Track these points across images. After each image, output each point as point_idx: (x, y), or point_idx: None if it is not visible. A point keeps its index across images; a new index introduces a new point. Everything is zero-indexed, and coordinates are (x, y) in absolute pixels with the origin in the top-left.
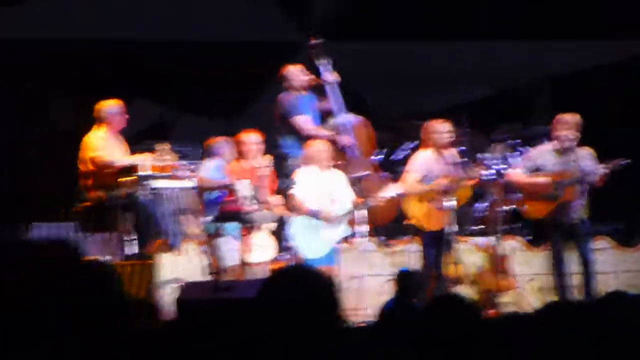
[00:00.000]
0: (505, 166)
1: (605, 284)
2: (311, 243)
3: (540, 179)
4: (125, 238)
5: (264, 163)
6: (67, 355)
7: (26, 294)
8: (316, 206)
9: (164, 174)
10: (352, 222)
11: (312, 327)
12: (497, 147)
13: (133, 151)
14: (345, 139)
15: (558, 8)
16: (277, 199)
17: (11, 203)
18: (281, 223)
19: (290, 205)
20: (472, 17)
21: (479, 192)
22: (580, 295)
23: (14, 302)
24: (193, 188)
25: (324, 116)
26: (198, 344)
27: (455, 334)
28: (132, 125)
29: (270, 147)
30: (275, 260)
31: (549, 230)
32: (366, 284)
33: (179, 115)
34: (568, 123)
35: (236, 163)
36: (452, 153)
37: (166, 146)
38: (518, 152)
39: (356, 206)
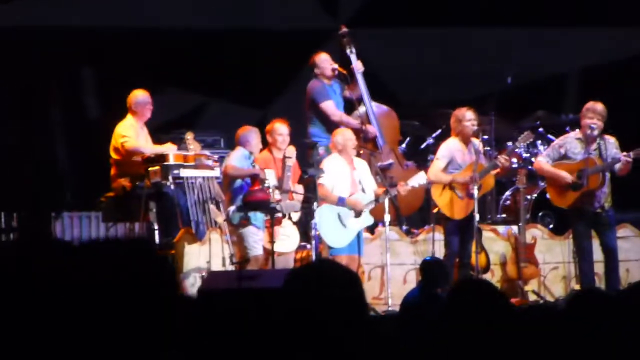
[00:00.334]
0: (529, 154)
1: (629, 272)
2: (335, 232)
3: (563, 173)
4: (149, 227)
5: (292, 153)
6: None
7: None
8: (343, 195)
9: (188, 163)
10: (376, 211)
11: (334, 320)
12: (523, 135)
13: (161, 140)
14: (371, 128)
15: None
16: (300, 189)
17: (40, 192)
18: (306, 212)
19: (319, 194)
20: (501, 4)
21: (503, 180)
22: (604, 283)
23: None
24: (217, 177)
25: (351, 105)
26: (221, 333)
27: (483, 320)
28: (162, 114)
29: (295, 136)
30: (299, 249)
31: (572, 219)
32: (390, 273)
33: (209, 104)
34: (595, 111)
35: (264, 152)
36: (478, 141)
37: (190, 135)
38: (545, 140)
39: (379, 196)
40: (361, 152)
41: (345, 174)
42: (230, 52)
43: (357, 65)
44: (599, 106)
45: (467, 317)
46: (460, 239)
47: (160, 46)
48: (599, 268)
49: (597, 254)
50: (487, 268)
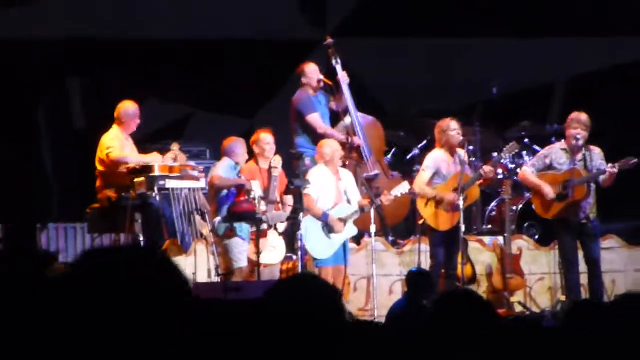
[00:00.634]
0: (514, 165)
1: (614, 283)
2: (320, 243)
3: (545, 188)
4: (134, 238)
5: (278, 163)
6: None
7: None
8: (327, 206)
9: (174, 174)
10: (362, 222)
11: (317, 332)
12: (509, 146)
13: (147, 150)
14: (357, 139)
15: (571, 6)
16: (287, 199)
17: (26, 203)
18: (292, 223)
19: (304, 205)
20: (485, 15)
21: (489, 191)
22: (589, 294)
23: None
24: (203, 188)
25: (336, 116)
26: (207, 344)
27: (469, 330)
28: (148, 124)
29: (280, 146)
30: (285, 260)
31: (557, 229)
32: (376, 284)
33: (195, 114)
34: (580, 122)
35: (250, 163)
36: (463, 152)
37: (175, 146)
38: (530, 151)
39: (364, 206)
40: (347, 162)
41: (331, 184)
42: (215, 62)
43: (343, 76)
44: (583, 116)
45: (453, 328)
46: (445, 250)
47: (146, 57)
48: (585, 278)
49: (582, 264)
50: (472, 279)
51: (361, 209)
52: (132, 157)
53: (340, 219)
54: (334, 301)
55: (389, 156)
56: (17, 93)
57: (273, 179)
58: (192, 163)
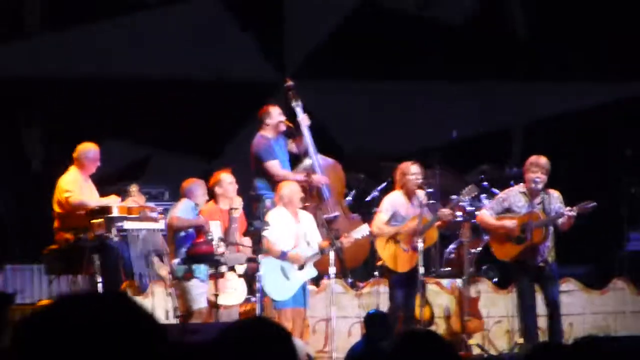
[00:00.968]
0: (474, 208)
1: (572, 326)
2: (279, 285)
3: (507, 223)
4: (92, 280)
5: (239, 204)
6: None
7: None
8: (286, 248)
9: (132, 215)
10: (321, 264)
11: None
12: (467, 189)
13: (105, 192)
14: (317, 181)
15: (531, 52)
16: (246, 241)
17: None
18: (252, 265)
19: (264, 247)
20: (445, 59)
21: (447, 233)
22: (547, 337)
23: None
24: (162, 230)
25: (296, 158)
26: None
27: None
28: (106, 165)
29: (239, 188)
30: (244, 302)
31: (516, 273)
32: (335, 326)
33: (154, 155)
34: (539, 165)
35: (210, 204)
36: (422, 194)
37: (134, 187)
38: (490, 194)
39: (324, 248)
40: (307, 204)
41: (290, 226)
42: (175, 103)
43: (304, 119)
44: (543, 160)
45: None
46: (404, 292)
47: (105, 97)
48: (543, 322)
49: (541, 307)
50: (431, 321)
51: (321, 251)
52: (92, 201)
53: (298, 255)
54: (285, 345)
55: (349, 198)
56: None
57: (233, 221)
58: (150, 204)
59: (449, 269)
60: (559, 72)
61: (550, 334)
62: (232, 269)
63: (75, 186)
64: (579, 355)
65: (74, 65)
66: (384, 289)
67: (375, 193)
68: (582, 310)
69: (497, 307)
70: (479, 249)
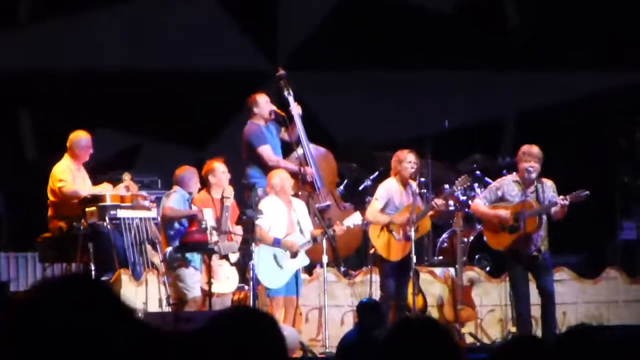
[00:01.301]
0: (466, 197)
1: (565, 315)
2: (272, 273)
3: (501, 212)
4: (85, 268)
5: (230, 193)
6: None
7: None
8: (279, 236)
9: (125, 204)
10: (314, 253)
11: None
12: (460, 179)
13: (98, 181)
14: (309, 170)
15: (523, 41)
16: (239, 229)
17: None
18: (244, 254)
19: (257, 235)
20: (437, 47)
21: (440, 223)
22: (540, 326)
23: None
24: (154, 218)
25: (288, 147)
26: None
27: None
28: (99, 154)
29: (231, 177)
30: (237, 290)
31: (509, 262)
32: (327, 315)
33: (146, 144)
34: (532, 154)
35: (202, 193)
36: (415, 183)
37: (127, 176)
38: (482, 184)
39: (316, 236)
40: (299, 193)
41: (282, 214)
42: (167, 93)
43: (295, 108)
44: (535, 149)
45: (411, 355)
46: (396, 281)
47: (97, 86)
48: (536, 311)
49: (534, 297)
50: (424, 310)
51: (314, 239)
52: (85, 190)
53: (293, 242)
54: (271, 333)
55: (341, 187)
56: None
57: (225, 209)
58: (143, 193)
59: (442, 258)
60: (552, 62)
61: (543, 323)
62: (225, 257)
63: (68, 175)
64: (571, 343)
65: (66, 56)
66: (376, 277)
67: (367, 182)
68: (575, 299)
69: (490, 296)
70: (472, 238)
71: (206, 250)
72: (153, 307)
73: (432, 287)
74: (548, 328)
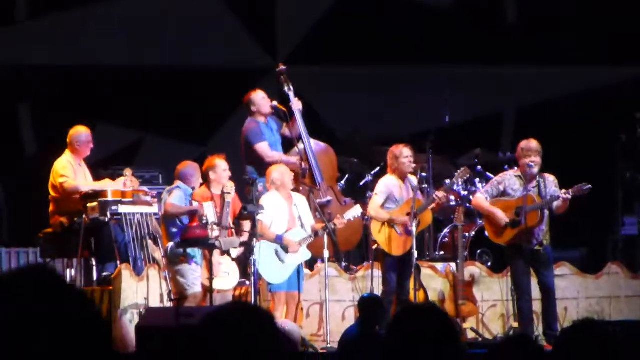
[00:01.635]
0: (467, 192)
1: (567, 310)
2: (273, 269)
3: (499, 214)
4: (87, 263)
5: (231, 188)
6: None
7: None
8: (281, 232)
9: (127, 199)
10: (315, 248)
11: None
12: (460, 171)
13: (99, 176)
14: (309, 165)
15: (524, 35)
16: (244, 225)
17: None
18: (246, 249)
19: (258, 231)
20: (438, 42)
21: (442, 218)
22: (542, 321)
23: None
24: (155, 214)
25: (290, 142)
26: None
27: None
28: (101, 150)
29: (232, 173)
30: (238, 286)
31: (510, 256)
32: (329, 310)
33: (148, 140)
34: (532, 149)
35: (203, 188)
36: (415, 178)
37: (128, 172)
38: (483, 178)
39: (317, 230)
40: (300, 188)
41: (283, 210)
42: (168, 89)
43: (296, 103)
44: (533, 143)
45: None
46: (398, 276)
47: (98, 82)
48: (537, 306)
49: (536, 292)
50: None
51: (315, 233)
52: (86, 186)
53: (294, 241)
54: (269, 329)
55: (342, 183)
56: None
57: (226, 205)
58: (144, 189)
59: (443, 253)
60: (552, 56)
61: (544, 318)
62: (226, 252)
63: (69, 171)
64: (576, 338)
65: (67, 51)
66: (377, 272)
67: (368, 178)
68: (576, 294)
69: (491, 291)
70: (473, 233)
71: (207, 246)
72: (154, 303)
73: (433, 282)
74: (549, 323)
